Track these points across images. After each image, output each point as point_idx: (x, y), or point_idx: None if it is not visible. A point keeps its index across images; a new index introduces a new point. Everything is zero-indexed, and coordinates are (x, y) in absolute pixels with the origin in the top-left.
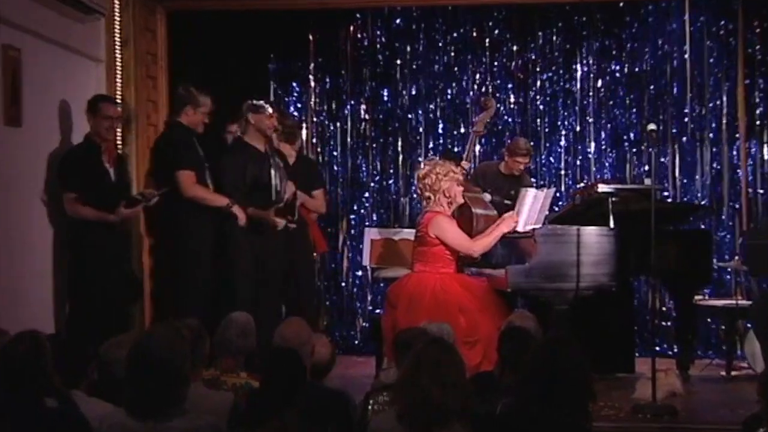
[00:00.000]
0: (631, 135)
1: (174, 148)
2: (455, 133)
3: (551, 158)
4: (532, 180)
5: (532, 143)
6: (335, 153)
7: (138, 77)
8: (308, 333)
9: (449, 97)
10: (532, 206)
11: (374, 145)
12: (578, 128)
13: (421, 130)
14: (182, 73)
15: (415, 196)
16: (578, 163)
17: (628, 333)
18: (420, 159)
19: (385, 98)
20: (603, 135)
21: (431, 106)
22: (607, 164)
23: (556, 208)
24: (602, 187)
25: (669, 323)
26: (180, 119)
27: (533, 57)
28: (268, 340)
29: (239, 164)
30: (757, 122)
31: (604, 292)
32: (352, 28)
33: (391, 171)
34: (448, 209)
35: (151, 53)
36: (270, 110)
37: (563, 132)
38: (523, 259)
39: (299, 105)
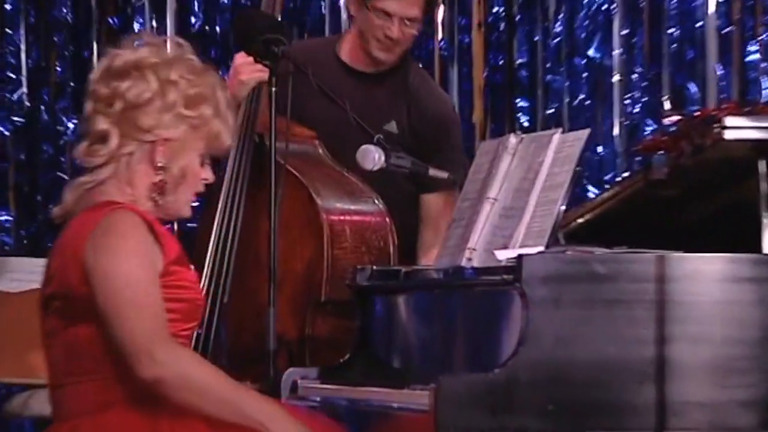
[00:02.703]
0: None
1: None
2: None
3: (576, 32)
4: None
5: None
6: None
7: None
8: None
9: None
10: (516, 184)
11: None
12: None
13: None
14: None
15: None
16: (665, 51)
17: None
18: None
19: None
20: None
21: None
22: (748, 59)
23: (591, 194)
24: (734, 126)
25: None
26: None
27: None
28: None
29: None
30: None
31: None
32: None
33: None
34: (163, 199)
35: None
36: None
37: None
38: (481, 351)
39: None
